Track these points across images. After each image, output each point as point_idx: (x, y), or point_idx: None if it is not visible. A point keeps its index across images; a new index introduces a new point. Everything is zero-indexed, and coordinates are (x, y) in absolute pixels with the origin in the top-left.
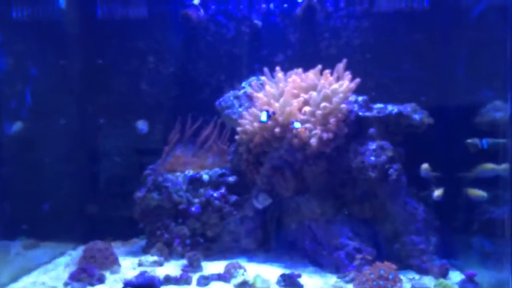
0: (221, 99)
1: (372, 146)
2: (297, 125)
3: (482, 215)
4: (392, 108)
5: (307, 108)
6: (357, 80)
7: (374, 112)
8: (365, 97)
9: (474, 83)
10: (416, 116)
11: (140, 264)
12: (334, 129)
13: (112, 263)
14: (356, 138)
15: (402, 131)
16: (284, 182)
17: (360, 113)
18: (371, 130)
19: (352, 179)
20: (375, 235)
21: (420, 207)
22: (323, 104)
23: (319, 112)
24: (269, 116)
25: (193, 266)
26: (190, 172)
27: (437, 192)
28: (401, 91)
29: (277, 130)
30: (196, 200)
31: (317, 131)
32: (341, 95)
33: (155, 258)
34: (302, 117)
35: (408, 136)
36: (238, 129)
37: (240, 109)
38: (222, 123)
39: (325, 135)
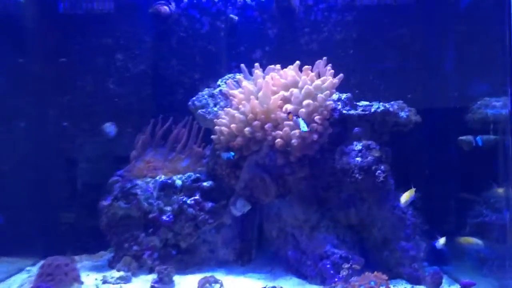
0: (194, 98)
1: (358, 146)
2: (302, 124)
3: (475, 218)
4: (377, 106)
5: (289, 106)
6: (341, 75)
7: (359, 110)
8: (349, 95)
9: (465, 78)
10: (403, 114)
11: (104, 281)
12: (320, 128)
13: (72, 280)
14: (340, 137)
15: (389, 130)
16: (264, 187)
17: (344, 111)
18: (356, 129)
19: (337, 182)
20: (362, 242)
21: (408, 210)
22: (306, 102)
23: (302, 110)
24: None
25: (164, 281)
26: (161, 177)
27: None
28: (386, 89)
29: (258, 134)
30: (168, 208)
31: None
32: (326, 91)
33: (122, 273)
34: (283, 115)
35: (395, 135)
36: (216, 128)
37: (215, 109)
38: (196, 124)
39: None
